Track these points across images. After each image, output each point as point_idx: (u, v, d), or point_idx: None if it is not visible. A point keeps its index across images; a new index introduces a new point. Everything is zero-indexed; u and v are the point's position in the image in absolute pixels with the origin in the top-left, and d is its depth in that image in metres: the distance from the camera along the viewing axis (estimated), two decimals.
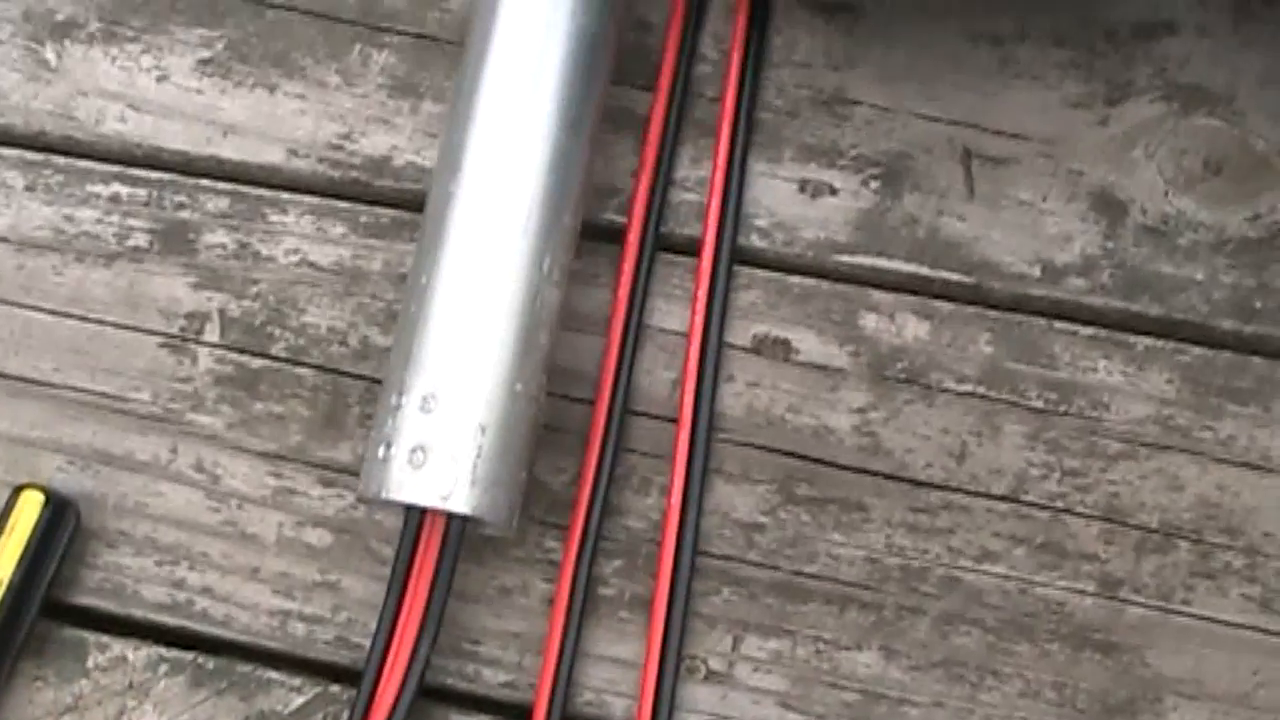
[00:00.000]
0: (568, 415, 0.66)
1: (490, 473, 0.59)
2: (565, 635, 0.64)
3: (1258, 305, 0.66)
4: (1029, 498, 0.65)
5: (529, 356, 0.61)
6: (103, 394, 0.68)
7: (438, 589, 0.61)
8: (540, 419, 0.62)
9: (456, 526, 0.60)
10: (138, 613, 0.66)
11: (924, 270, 0.67)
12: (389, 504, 0.60)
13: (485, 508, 0.59)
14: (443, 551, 0.61)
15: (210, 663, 0.65)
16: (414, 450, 0.59)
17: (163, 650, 0.65)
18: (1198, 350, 0.66)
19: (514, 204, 0.62)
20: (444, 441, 0.59)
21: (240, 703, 0.64)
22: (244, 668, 0.65)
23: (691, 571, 0.64)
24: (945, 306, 0.67)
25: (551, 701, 0.63)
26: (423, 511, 0.60)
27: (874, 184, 0.68)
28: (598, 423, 0.65)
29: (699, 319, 0.66)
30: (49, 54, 0.73)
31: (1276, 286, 0.66)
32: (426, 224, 0.62)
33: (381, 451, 0.59)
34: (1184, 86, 0.69)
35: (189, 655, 0.65)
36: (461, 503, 0.59)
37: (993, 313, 0.67)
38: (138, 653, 0.65)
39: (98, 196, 0.70)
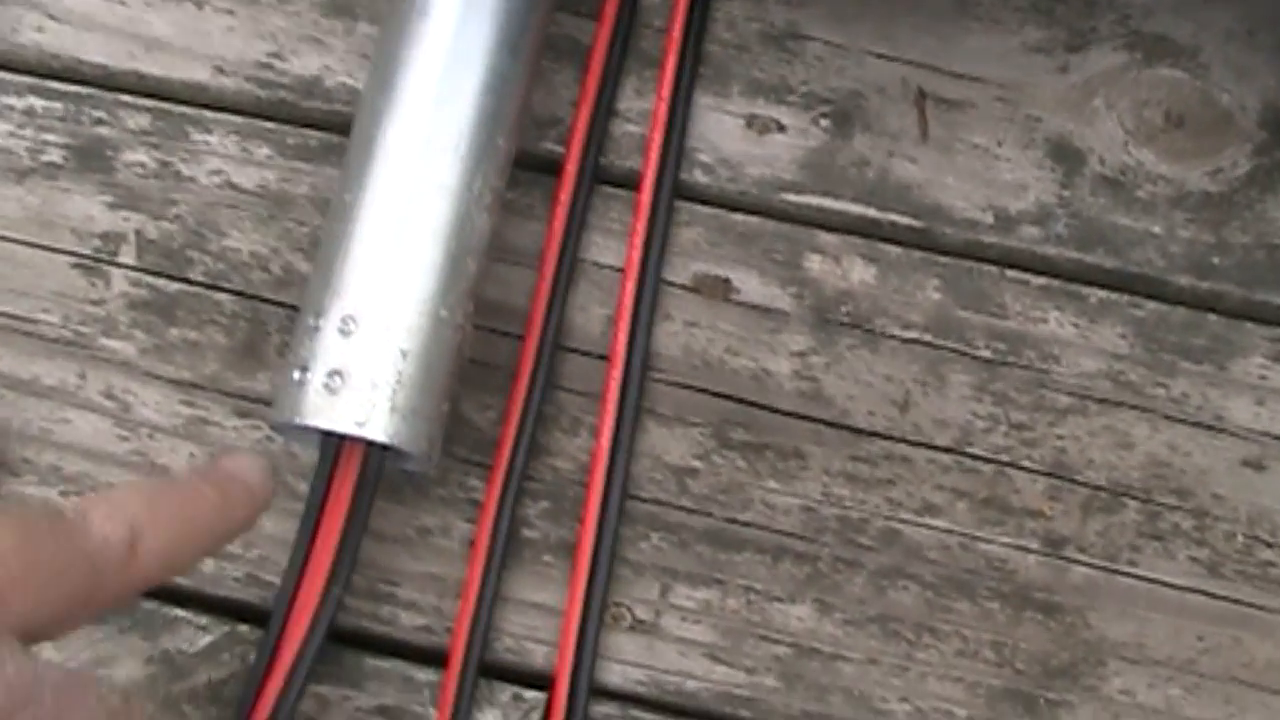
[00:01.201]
0: (496, 350, 0.63)
1: (410, 401, 0.56)
2: (485, 579, 0.61)
3: (1215, 262, 0.64)
4: (974, 450, 0.62)
5: (455, 282, 0.58)
6: (9, 315, 0.65)
7: (353, 526, 0.58)
8: (466, 350, 0.59)
9: (374, 458, 0.57)
10: None
11: (872, 213, 0.65)
12: (302, 430, 0.57)
13: (404, 437, 0.56)
14: (359, 485, 0.58)
15: None
16: (331, 374, 0.56)
17: None
18: (1152, 305, 0.64)
19: (446, 124, 0.59)
20: (363, 366, 0.56)
21: (143, 641, 0.61)
22: (149, 605, 0.62)
23: (619, 516, 0.62)
24: (893, 251, 0.64)
25: (469, 648, 0.61)
26: (339, 442, 0.57)
27: (824, 123, 0.66)
28: (526, 359, 0.62)
29: (636, 255, 0.64)
30: None
31: (1235, 243, 0.64)
32: (354, 140, 0.60)
33: (296, 375, 0.57)
34: (1148, 36, 0.66)
35: None
36: (379, 430, 0.56)
37: (942, 259, 0.64)
38: None
39: (11, 109, 0.67)
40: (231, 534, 0.52)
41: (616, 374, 0.63)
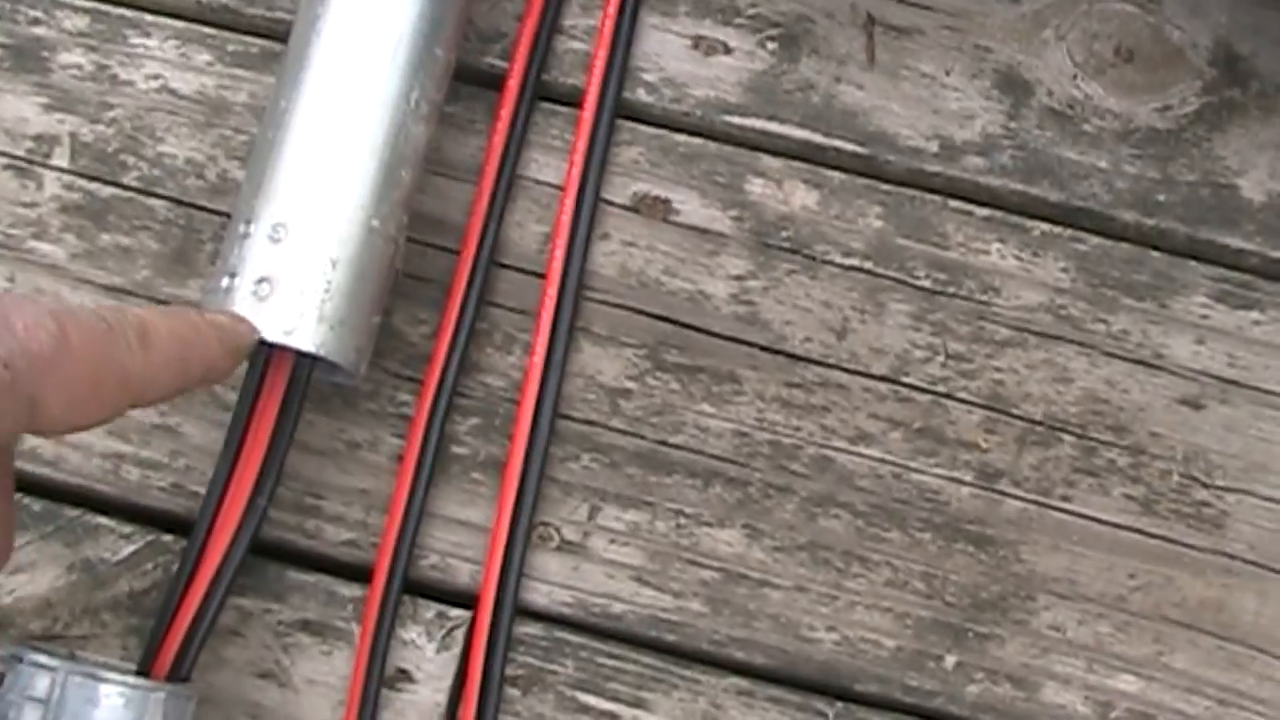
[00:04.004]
0: (431, 264, 0.62)
1: (339, 311, 0.56)
2: (412, 494, 0.61)
3: (1160, 198, 0.63)
4: (910, 380, 0.62)
5: (388, 192, 0.57)
6: None
7: (279, 436, 0.57)
8: (398, 262, 0.58)
9: (302, 368, 0.57)
10: None
11: (817, 138, 0.64)
12: None
13: (332, 347, 0.55)
14: (287, 396, 0.57)
15: (36, 505, 0.61)
16: (259, 281, 0.56)
17: None
18: (1096, 240, 0.63)
19: (383, 31, 0.58)
20: (292, 274, 0.55)
21: (65, 549, 0.60)
22: (72, 512, 0.61)
23: (550, 435, 0.61)
24: (836, 177, 0.64)
25: (394, 563, 0.60)
26: (268, 351, 0.56)
27: (770, 45, 0.65)
28: (461, 273, 0.62)
29: (576, 172, 0.63)
30: None
31: (1181, 181, 0.64)
32: (290, 47, 0.59)
33: (225, 282, 0.56)
34: None
35: (15, 495, 0.60)
36: (306, 339, 0.55)
37: (885, 186, 0.64)
38: None
39: None
40: (213, 365, 0.53)
41: (552, 292, 0.62)
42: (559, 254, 0.62)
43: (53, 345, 0.44)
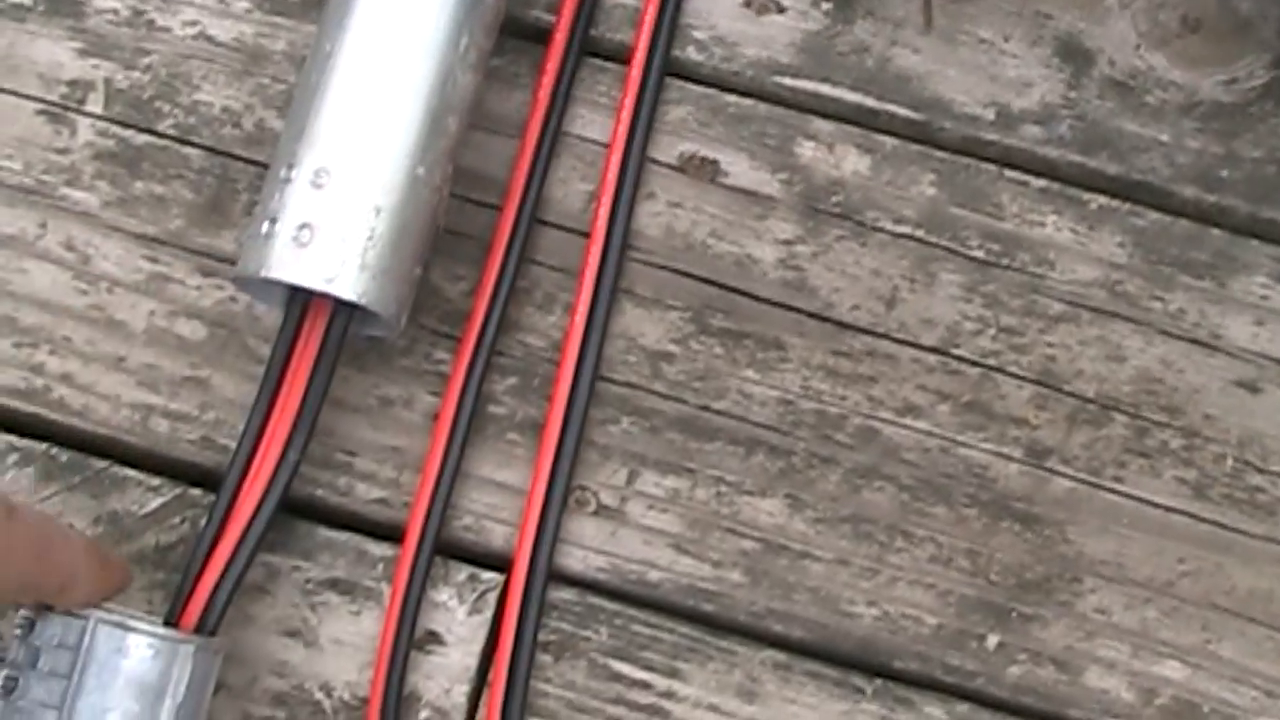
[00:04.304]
0: (472, 220, 0.61)
1: (381, 260, 0.54)
2: (447, 454, 0.59)
3: (1223, 175, 0.62)
4: (960, 352, 0.60)
5: (435, 141, 0.56)
6: None
7: (314, 390, 0.56)
8: (441, 214, 0.57)
9: (341, 319, 0.55)
10: None
11: (870, 102, 0.63)
12: (268, 287, 0.55)
13: (373, 296, 0.54)
14: (323, 348, 0.56)
15: (64, 455, 0.60)
16: (301, 227, 0.54)
17: (13, 439, 0.60)
18: (1154, 215, 0.62)
19: None
20: (334, 220, 0.54)
21: (92, 500, 0.58)
22: (99, 463, 0.59)
23: (589, 397, 0.60)
24: (889, 142, 0.62)
25: (426, 523, 0.59)
26: (305, 301, 0.55)
27: (825, 5, 0.64)
28: (503, 230, 0.60)
29: (623, 130, 0.61)
30: None
31: (1245, 156, 0.62)
32: None
33: (265, 227, 0.54)
34: None
35: (41, 446, 0.60)
36: (348, 287, 0.53)
37: (939, 154, 0.62)
38: None
39: None
40: (74, 576, 0.51)
41: (595, 251, 0.61)
42: (603, 213, 0.61)
43: None
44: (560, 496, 0.59)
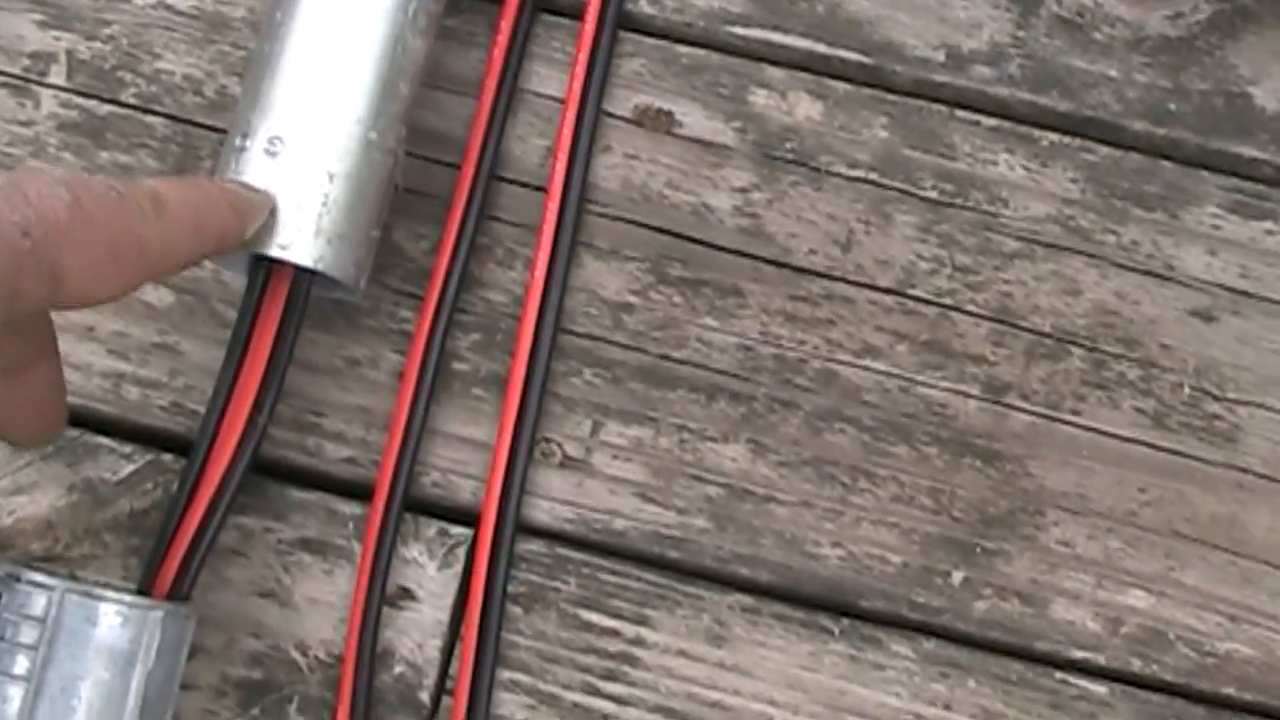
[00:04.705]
0: (432, 179, 0.61)
1: (337, 225, 0.55)
2: (413, 411, 0.60)
3: (1172, 108, 0.62)
4: (916, 292, 0.61)
5: (386, 105, 0.56)
6: None
7: (279, 353, 0.56)
8: (398, 176, 0.57)
9: (301, 284, 0.56)
10: None
11: (821, 48, 0.63)
12: (229, 254, 0.55)
13: (329, 261, 0.55)
14: (286, 312, 0.56)
15: None
16: None
17: None
18: (1105, 150, 0.62)
19: None
20: (289, 188, 0.55)
21: (66, 469, 0.59)
22: (72, 432, 0.60)
23: (551, 350, 0.60)
24: (841, 87, 0.63)
25: (395, 480, 0.59)
26: (268, 268, 0.56)
27: None
28: (462, 188, 0.61)
29: (578, 85, 0.62)
30: None
31: (1193, 90, 0.63)
32: None
33: None
34: None
35: None
36: (304, 254, 0.54)
37: (891, 97, 0.63)
38: None
39: None
40: (227, 230, 0.53)
41: (554, 206, 0.61)
42: (560, 168, 0.61)
43: (69, 212, 0.44)
44: (526, 449, 0.60)
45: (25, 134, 0.63)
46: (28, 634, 0.51)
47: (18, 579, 0.52)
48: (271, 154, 0.55)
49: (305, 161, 0.55)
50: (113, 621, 0.52)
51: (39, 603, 0.52)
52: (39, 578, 0.52)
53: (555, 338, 0.61)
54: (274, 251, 0.55)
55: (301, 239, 0.55)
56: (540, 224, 0.61)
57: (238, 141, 0.56)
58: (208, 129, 0.63)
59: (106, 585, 0.53)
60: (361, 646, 0.58)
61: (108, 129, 0.63)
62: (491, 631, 0.59)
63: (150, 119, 0.63)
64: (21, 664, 0.51)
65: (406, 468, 0.60)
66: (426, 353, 0.60)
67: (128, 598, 0.52)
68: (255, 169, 0.55)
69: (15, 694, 0.51)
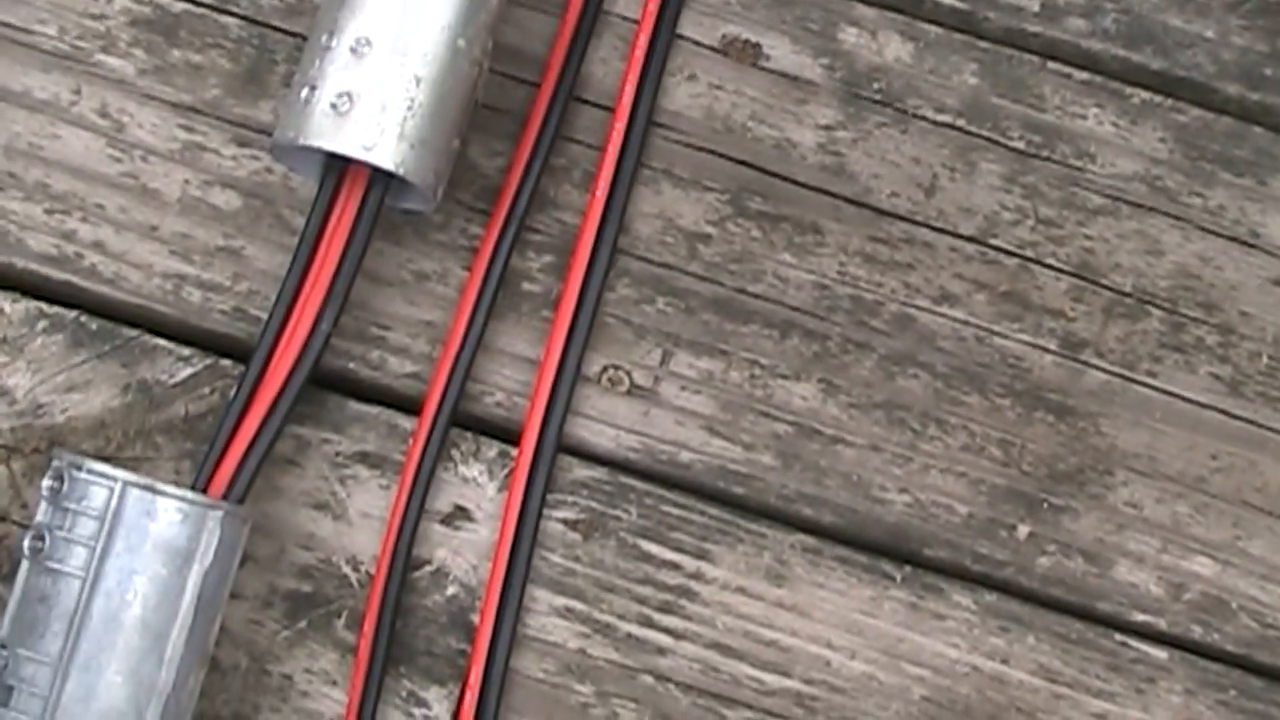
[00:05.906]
0: (510, 96, 0.60)
1: (420, 130, 0.54)
2: (470, 327, 0.59)
3: (1267, 73, 0.61)
4: (997, 242, 0.60)
5: (476, 13, 0.55)
6: (3, 24, 0.61)
7: (348, 262, 0.55)
8: (480, 88, 0.56)
9: (377, 189, 0.55)
10: (19, 263, 0.60)
11: None
12: (304, 155, 0.55)
13: (411, 166, 0.54)
14: (359, 218, 0.55)
15: (94, 323, 0.59)
16: (340, 95, 0.54)
17: (43, 305, 0.60)
18: (1196, 112, 0.61)
19: None
20: (374, 89, 0.54)
21: (122, 369, 0.58)
22: (130, 332, 0.59)
23: (607, 272, 0.60)
24: (933, 30, 0.62)
25: (445, 396, 0.58)
26: (341, 170, 0.54)
27: None
28: (539, 106, 0.60)
29: (653, 5, 0.60)
30: None
31: None
32: None
33: (304, 95, 0.54)
34: None
35: (71, 313, 0.59)
36: (386, 156, 0.53)
37: (983, 43, 0.62)
38: (15, 305, 0.59)
39: None
40: None
41: (620, 127, 0.60)
42: (629, 88, 0.61)
43: None
44: (572, 371, 0.59)
45: (96, 27, 0.62)
46: (88, 526, 0.50)
47: (79, 468, 0.50)
48: (358, 54, 0.54)
49: (393, 64, 0.54)
50: (173, 518, 0.51)
51: (99, 494, 0.51)
52: (101, 467, 0.51)
53: (612, 260, 0.60)
54: (357, 152, 0.53)
55: (385, 141, 0.54)
56: (605, 144, 0.60)
57: (323, 40, 0.55)
58: (284, 33, 0.62)
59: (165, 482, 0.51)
60: (395, 558, 0.57)
61: (181, 27, 0.62)
62: (524, 551, 0.58)
63: (225, 19, 0.62)
64: (79, 555, 0.50)
65: (458, 384, 0.59)
66: (489, 267, 0.59)
67: (189, 495, 0.51)
68: (340, 68, 0.54)
69: (73, 586, 0.49)
